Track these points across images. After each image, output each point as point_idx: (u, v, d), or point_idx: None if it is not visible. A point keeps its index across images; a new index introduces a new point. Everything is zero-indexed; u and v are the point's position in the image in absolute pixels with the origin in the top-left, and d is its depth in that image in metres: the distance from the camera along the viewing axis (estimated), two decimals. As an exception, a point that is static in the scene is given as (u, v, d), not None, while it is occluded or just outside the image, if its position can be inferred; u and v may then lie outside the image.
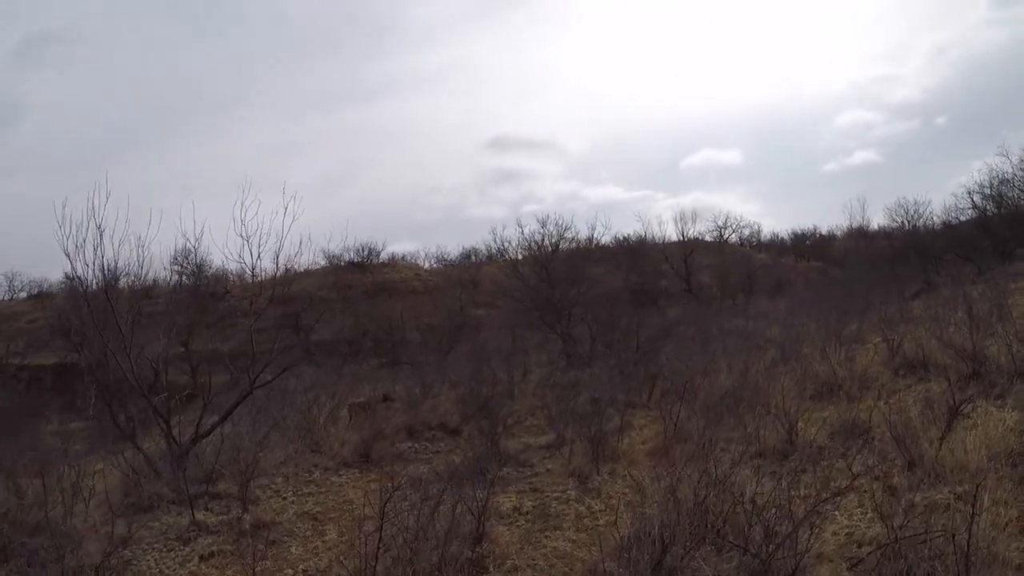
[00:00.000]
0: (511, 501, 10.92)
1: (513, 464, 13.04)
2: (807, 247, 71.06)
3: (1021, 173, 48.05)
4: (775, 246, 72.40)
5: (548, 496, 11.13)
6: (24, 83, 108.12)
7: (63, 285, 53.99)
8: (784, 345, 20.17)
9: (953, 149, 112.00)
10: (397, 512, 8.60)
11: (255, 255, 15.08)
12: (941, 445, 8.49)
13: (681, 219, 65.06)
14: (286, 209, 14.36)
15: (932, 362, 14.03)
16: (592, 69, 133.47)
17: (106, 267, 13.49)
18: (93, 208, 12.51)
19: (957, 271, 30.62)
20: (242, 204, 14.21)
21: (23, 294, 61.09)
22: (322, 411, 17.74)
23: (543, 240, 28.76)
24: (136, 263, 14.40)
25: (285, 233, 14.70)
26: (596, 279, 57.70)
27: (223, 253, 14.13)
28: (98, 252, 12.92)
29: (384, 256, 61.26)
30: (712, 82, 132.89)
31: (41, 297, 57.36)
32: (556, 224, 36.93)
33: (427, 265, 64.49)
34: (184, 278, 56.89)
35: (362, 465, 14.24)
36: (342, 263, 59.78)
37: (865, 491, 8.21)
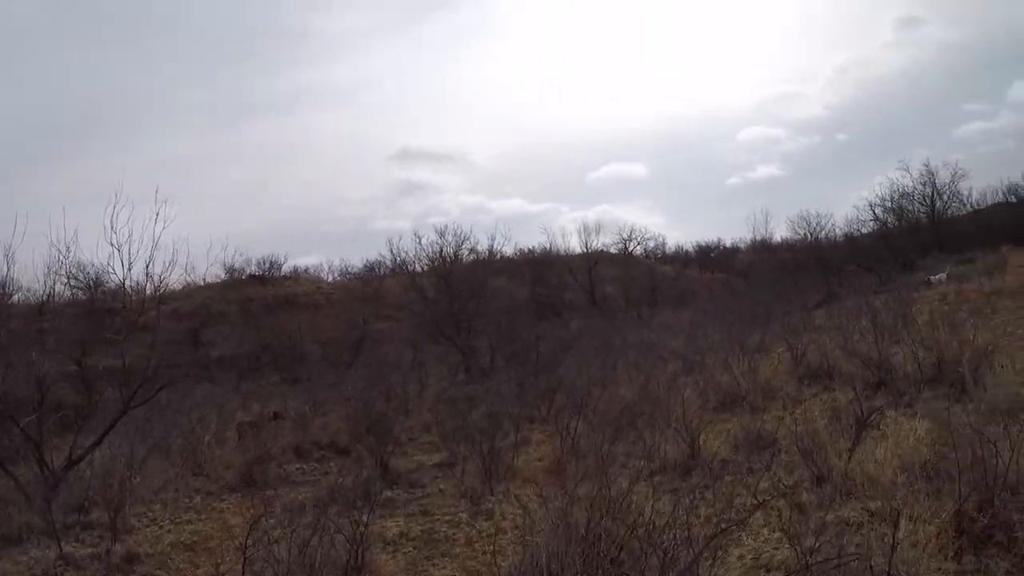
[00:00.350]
0: (398, 526, 10.06)
1: (404, 485, 12.20)
2: (711, 259, 71.38)
3: (921, 187, 49.24)
4: (680, 258, 72.34)
5: (438, 519, 10.25)
6: None
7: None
8: (687, 356, 19.72)
9: (854, 165, 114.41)
10: (268, 542, 7.68)
11: (125, 264, 14.23)
12: (851, 458, 7.86)
13: (584, 231, 64.12)
14: (157, 215, 13.35)
15: (837, 371, 13.66)
16: (501, 83, 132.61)
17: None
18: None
19: (859, 282, 30.78)
20: (113, 211, 13.10)
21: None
22: (207, 431, 16.56)
23: (441, 251, 27.93)
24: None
25: (157, 240, 13.73)
26: (500, 290, 57.17)
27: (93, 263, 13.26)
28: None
29: (287, 269, 59.59)
30: (619, 97, 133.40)
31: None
32: (455, 234, 35.77)
33: (330, 278, 62.70)
34: (79, 292, 54.80)
35: (246, 489, 13.22)
36: (243, 276, 58.09)
37: (772, 510, 7.51)
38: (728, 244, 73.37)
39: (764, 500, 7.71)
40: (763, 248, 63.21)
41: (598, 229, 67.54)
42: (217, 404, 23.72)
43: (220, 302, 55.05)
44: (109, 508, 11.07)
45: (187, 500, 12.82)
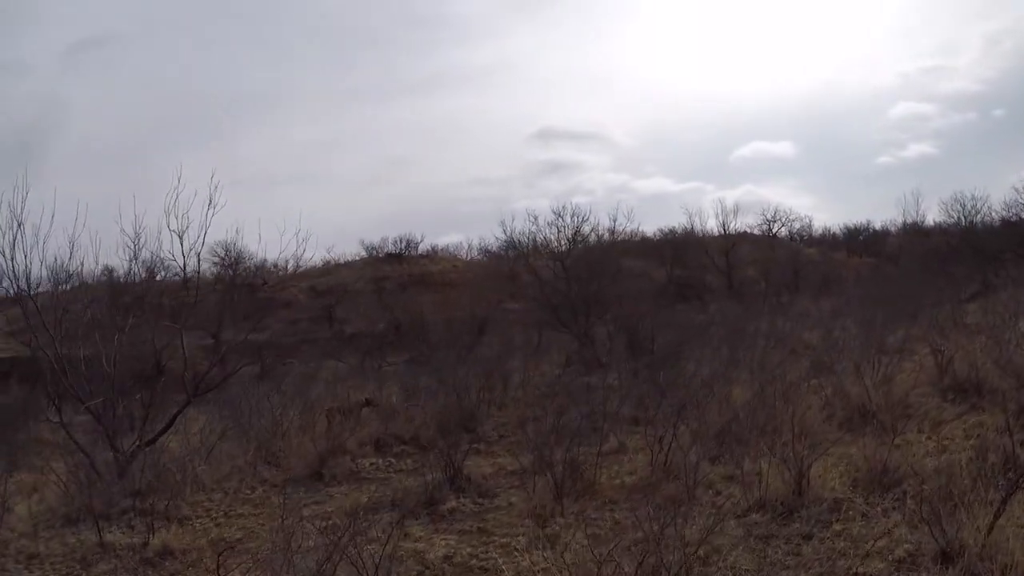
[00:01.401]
0: (447, 545, 8.52)
1: (472, 493, 10.57)
2: (859, 242, 67.20)
3: (1089, 166, 44.65)
4: (826, 241, 68.73)
5: (494, 541, 8.61)
6: (70, 87, 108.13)
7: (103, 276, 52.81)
8: (820, 353, 17.53)
9: (1013, 142, 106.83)
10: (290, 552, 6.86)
11: (186, 250, 13.68)
12: (992, 528, 5.81)
13: (722, 211, 60.99)
14: (210, 200, 13.00)
15: (987, 386, 11.36)
16: (640, 61, 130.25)
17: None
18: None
19: (1018, 272, 27.54)
20: (176, 197, 12.96)
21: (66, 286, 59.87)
22: (292, 417, 15.49)
23: (559, 232, 26.06)
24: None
25: (208, 224, 13.23)
26: (638, 273, 55.40)
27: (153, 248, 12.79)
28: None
29: (423, 248, 59.18)
30: (761, 73, 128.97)
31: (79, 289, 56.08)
32: (574, 215, 33.45)
33: (468, 257, 61.86)
34: (222, 269, 55.68)
35: (311, 483, 12.09)
36: (380, 254, 58.03)
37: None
38: (878, 227, 68.57)
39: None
40: (914, 232, 58.87)
41: (736, 209, 64.62)
42: (329, 383, 22.98)
43: (357, 280, 55.25)
44: (164, 495, 10.64)
45: (248, 491, 11.82)
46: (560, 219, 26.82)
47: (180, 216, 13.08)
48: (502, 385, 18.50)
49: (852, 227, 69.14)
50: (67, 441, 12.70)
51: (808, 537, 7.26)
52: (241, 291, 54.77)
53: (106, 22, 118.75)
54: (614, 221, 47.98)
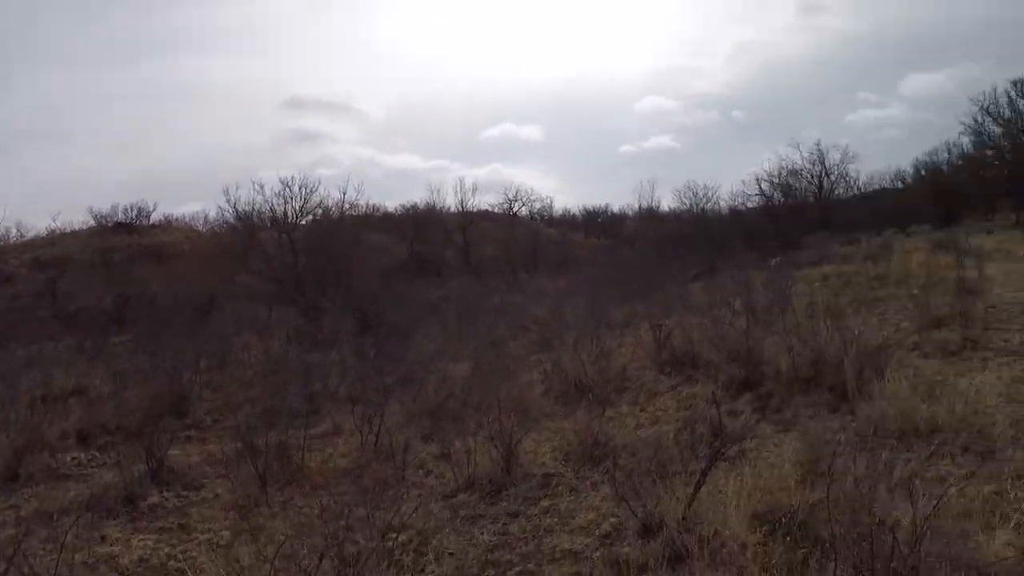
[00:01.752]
0: (144, 546, 7.52)
1: (178, 486, 9.55)
2: (598, 224, 69.77)
3: (810, 166, 48.40)
4: (566, 222, 70.79)
5: (195, 538, 7.68)
6: None
7: None
8: (547, 329, 17.60)
9: (748, 143, 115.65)
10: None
11: None
12: (694, 499, 5.61)
13: (461, 188, 61.49)
14: None
15: (701, 360, 11.56)
16: (396, 35, 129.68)
17: None
18: None
19: (741, 258, 29.11)
20: None
21: None
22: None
23: (286, 204, 24.76)
24: None
25: None
26: (379, 248, 54.86)
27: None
28: None
29: (157, 218, 55.93)
30: (516, 57, 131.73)
31: None
32: (302, 187, 31.85)
33: (206, 229, 58.87)
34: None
35: (6, 484, 10.52)
36: (109, 223, 54.32)
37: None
38: (616, 211, 71.65)
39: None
40: (650, 217, 61.44)
41: (475, 187, 65.31)
42: (44, 367, 20.92)
43: (83, 251, 51.45)
44: None
45: None
46: (288, 189, 25.39)
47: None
48: (219, 364, 17.28)
49: (591, 209, 72.01)
50: None
51: (515, 515, 6.87)
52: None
53: None
54: (343, 194, 46.32)
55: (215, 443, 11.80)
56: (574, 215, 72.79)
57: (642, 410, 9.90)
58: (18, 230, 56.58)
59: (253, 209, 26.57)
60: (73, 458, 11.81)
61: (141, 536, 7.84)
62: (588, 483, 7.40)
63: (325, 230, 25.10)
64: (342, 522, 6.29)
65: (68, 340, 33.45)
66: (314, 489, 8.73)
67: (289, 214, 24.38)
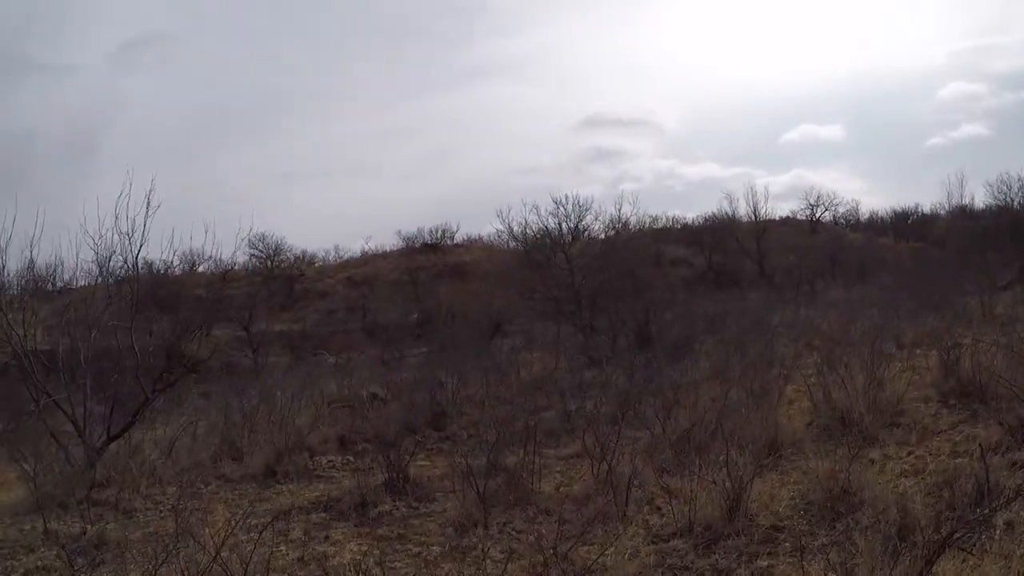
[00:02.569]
0: (356, 551, 7.72)
1: (410, 496, 9.64)
2: (907, 226, 64.31)
3: None
4: (873, 225, 66.19)
5: (408, 550, 7.75)
6: (124, 84, 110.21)
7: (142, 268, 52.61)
8: (834, 347, 16.07)
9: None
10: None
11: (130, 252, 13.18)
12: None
13: (752, 195, 57.85)
14: (148, 202, 12.53)
15: (991, 391, 9.85)
16: (685, 44, 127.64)
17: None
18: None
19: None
20: (122, 200, 12.48)
21: (110, 279, 60.07)
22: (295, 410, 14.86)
23: (559, 223, 24.44)
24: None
25: (146, 227, 12.81)
26: (680, 260, 53.96)
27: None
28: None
29: (460, 238, 58.09)
30: (808, 56, 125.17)
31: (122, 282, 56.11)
32: (575, 205, 31.20)
33: (508, 247, 60.56)
34: (259, 261, 55.41)
35: (265, 479, 11.48)
36: (416, 245, 57.18)
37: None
38: (927, 210, 65.18)
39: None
40: (962, 215, 55.95)
41: (767, 193, 62.15)
42: (345, 375, 22.14)
43: (392, 270, 54.49)
44: (121, 488, 10.74)
45: (202, 486, 11.34)
46: (561, 208, 25.10)
47: (130, 218, 12.68)
48: (497, 379, 17.26)
49: (900, 210, 66.56)
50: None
51: (724, 574, 6.00)
52: (278, 283, 54.57)
53: (155, 22, 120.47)
54: (619, 208, 45.52)
55: (460, 457, 11.69)
56: (881, 217, 68.17)
57: (910, 453, 8.51)
58: (336, 252, 61.06)
59: (525, 228, 26.79)
60: (329, 461, 12.52)
61: (359, 540, 8.10)
62: (819, 542, 6.31)
63: (610, 246, 24.64)
64: (541, 557, 6.02)
65: (372, 351, 35.49)
66: (539, 514, 8.41)
67: (564, 231, 24.13)
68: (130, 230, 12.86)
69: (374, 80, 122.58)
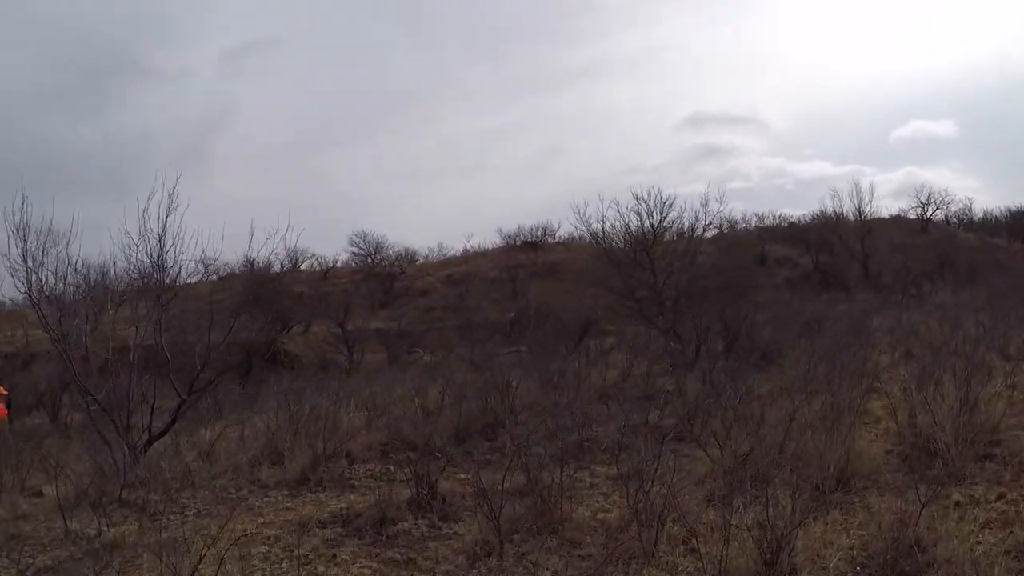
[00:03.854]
0: (357, 574, 6.99)
1: (437, 515, 8.64)
2: (1023, 226, 60.57)
3: None
4: (988, 225, 62.82)
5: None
6: (234, 88, 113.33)
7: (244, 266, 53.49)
8: (933, 361, 14.37)
9: None
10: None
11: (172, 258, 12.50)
12: None
13: (858, 194, 54.31)
14: (171, 202, 11.99)
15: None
16: (791, 41, 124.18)
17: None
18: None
19: None
20: (147, 203, 12.01)
21: (214, 276, 61.15)
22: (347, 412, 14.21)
23: (641, 220, 22.93)
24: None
25: (163, 230, 12.20)
26: (785, 260, 51.83)
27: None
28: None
29: (560, 236, 57.04)
30: (919, 49, 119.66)
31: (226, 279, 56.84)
32: (656, 201, 29.17)
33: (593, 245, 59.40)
34: (360, 259, 55.55)
35: (296, 487, 10.63)
36: (516, 243, 56.50)
37: None
38: (1046, 210, 61.52)
39: None
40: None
41: (872, 191, 58.90)
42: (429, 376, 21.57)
43: (492, 268, 54.04)
44: (162, 488, 10.43)
45: (235, 490, 10.60)
46: (641, 204, 23.52)
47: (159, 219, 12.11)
48: (552, 385, 16.03)
49: (1016, 210, 62.67)
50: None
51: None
52: (378, 280, 54.56)
53: (262, 28, 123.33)
54: (705, 204, 43.16)
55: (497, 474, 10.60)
56: (996, 217, 64.67)
57: (1000, 496, 7.02)
58: (439, 250, 60.78)
59: (603, 225, 25.44)
60: (368, 470, 11.59)
61: (366, 562, 7.36)
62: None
63: (696, 245, 23.15)
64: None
65: (466, 350, 34.67)
66: (563, 545, 7.26)
67: (646, 229, 22.72)
68: (160, 229, 12.26)
69: (482, 81, 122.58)
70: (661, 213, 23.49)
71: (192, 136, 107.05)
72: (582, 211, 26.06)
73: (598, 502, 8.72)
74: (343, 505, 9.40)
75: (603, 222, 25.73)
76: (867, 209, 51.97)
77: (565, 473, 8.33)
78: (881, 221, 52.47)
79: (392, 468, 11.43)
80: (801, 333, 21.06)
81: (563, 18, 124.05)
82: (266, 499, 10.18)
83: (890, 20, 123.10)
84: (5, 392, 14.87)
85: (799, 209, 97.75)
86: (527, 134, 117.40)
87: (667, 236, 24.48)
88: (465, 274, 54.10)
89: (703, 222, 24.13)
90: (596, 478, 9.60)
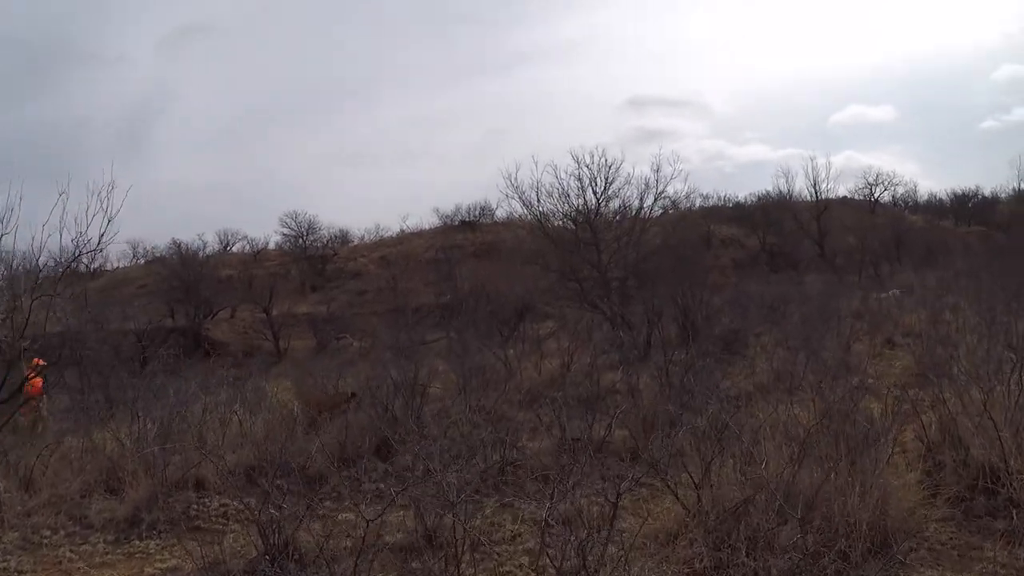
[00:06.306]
0: None
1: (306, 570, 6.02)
2: (968, 210, 60.16)
3: None
4: (932, 208, 61.80)
5: None
6: (173, 74, 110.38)
7: (171, 250, 50.52)
8: (925, 351, 12.28)
9: None
10: None
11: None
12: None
13: (813, 170, 51.73)
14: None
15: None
16: (734, 27, 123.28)
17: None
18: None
19: None
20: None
21: (141, 260, 57.65)
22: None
23: (583, 187, 19.82)
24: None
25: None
26: (731, 240, 50.01)
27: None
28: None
29: (500, 215, 54.15)
30: (857, 35, 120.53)
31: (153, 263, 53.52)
32: (600, 165, 24.86)
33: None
34: (291, 241, 52.57)
35: (125, 530, 7.69)
36: (453, 223, 53.62)
37: None
38: (988, 194, 61.28)
39: None
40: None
41: (828, 168, 57.16)
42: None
43: (427, 249, 51.27)
44: None
45: (49, 533, 7.62)
46: (583, 168, 19.69)
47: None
48: (467, 385, 12.86)
49: (960, 193, 62.31)
50: None
51: None
52: (309, 262, 51.53)
53: (205, 11, 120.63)
54: (652, 181, 40.80)
55: (398, 511, 7.54)
56: (941, 200, 63.52)
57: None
58: (376, 231, 57.74)
59: (538, 193, 21.89)
60: (222, 504, 8.48)
61: None
62: None
63: (644, 222, 20.31)
64: None
65: (389, 335, 31.83)
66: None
67: (588, 199, 19.73)
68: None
69: (421, 66, 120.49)
70: (606, 179, 20.40)
71: (129, 121, 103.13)
72: (513, 176, 22.45)
73: (519, 558, 6.09)
74: (165, 566, 6.80)
75: (538, 188, 22.24)
76: (823, 187, 49.95)
77: (480, 515, 6.38)
78: (832, 201, 50.62)
79: (255, 502, 8.41)
80: (765, 318, 18.79)
81: (504, 4, 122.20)
82: (84, 546, 7.38)
83: (831, 7, 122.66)
84: (43, 363, 12.53)
85: (738, 192, 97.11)
86: (472, 118, 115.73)
87: (613, 207, 21.46)
88: (399, 255, 51.07)
89: (654, 190, 21.16)
90: (521, 524, 6.83)
